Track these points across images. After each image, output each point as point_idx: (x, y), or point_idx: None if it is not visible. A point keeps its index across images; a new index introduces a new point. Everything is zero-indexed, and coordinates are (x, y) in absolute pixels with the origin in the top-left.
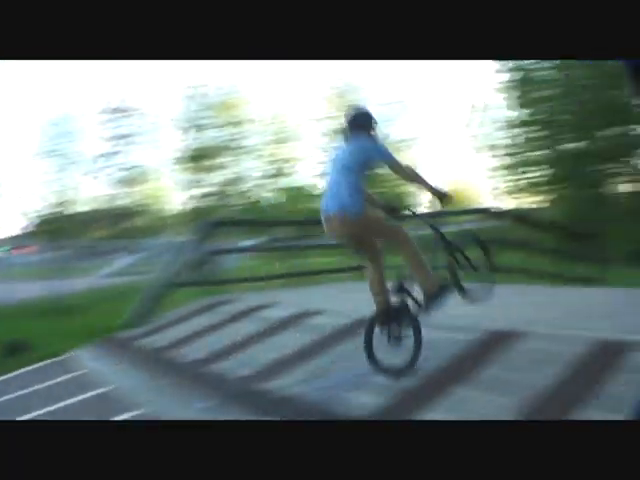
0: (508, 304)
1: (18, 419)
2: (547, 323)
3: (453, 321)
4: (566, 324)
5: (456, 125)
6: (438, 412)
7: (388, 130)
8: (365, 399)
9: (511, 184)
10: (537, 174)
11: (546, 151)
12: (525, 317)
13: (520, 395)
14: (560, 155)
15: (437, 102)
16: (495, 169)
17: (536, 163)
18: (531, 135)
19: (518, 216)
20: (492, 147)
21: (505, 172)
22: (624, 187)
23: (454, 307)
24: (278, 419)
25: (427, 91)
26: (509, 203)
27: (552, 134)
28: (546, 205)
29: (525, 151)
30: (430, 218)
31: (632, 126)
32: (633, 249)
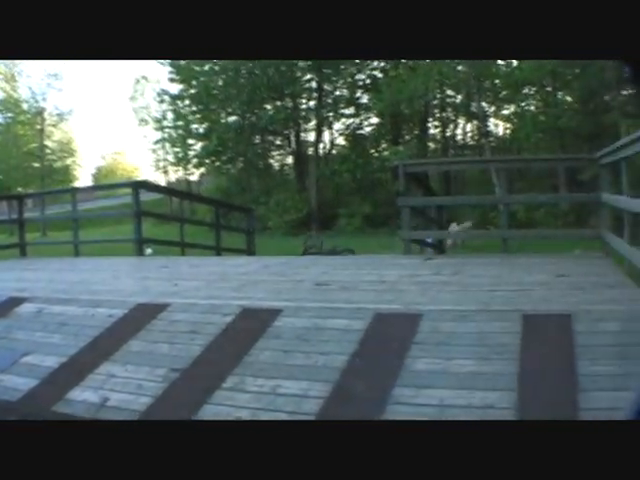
0: (151, 277)
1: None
2: (189, 294)
3: (94, 296)
4: (208, 294)
5: (118, 97)
6: (88, 391)
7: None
8: (17, 381)
9: (172, 156)
10: (198, 146)
11: (207, 124)
12: (168, 289)
13: (170, 366)
14: (222, 128)
15: (97, 73)
16: (157, 142)
17: (197, 136)
18: (193, 108)
19: (175, 189)
20: (154, 120)
21: (167, 144)
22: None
23: (95, 282)
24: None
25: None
26: (170, 176)
27: (214, 107)
28: (207, 177)
29: (186, 124)
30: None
31: (297, 100)
32: (291, 219)
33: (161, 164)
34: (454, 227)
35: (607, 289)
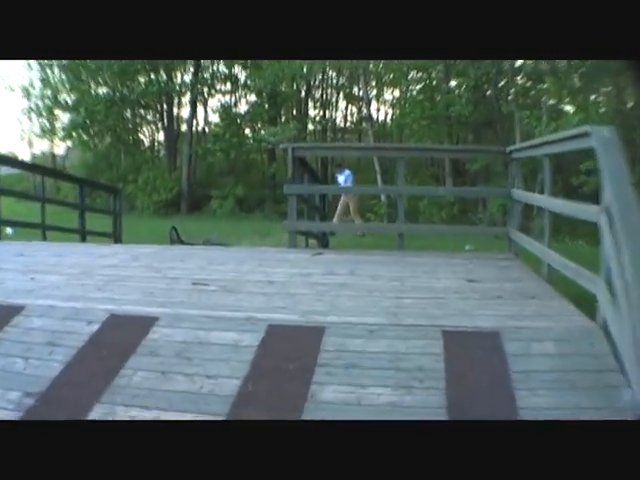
0: (5, 268)
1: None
2: (48, 292)
3: None
4: (69, 293)
5: None
6: None
7: None
8: None
9: (38, 127)
10: (66, 118)
11: (76, 95)
12: (24, 284)
13: (25, 389)
14: (91, 100)
15: None
16: (23, 111)
17: (65, 107)
18: (62, 77)
19: (34, 164)
20: (21, 87)
21: (33, 115)
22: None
23: None
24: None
25: None
26: (35, 148)
27: (84, 77)
28: (73, 151)
29: (54, 93)
30: None
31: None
32: (160, 199)
33: (26, 135)
34: None
35: (529, 300)
